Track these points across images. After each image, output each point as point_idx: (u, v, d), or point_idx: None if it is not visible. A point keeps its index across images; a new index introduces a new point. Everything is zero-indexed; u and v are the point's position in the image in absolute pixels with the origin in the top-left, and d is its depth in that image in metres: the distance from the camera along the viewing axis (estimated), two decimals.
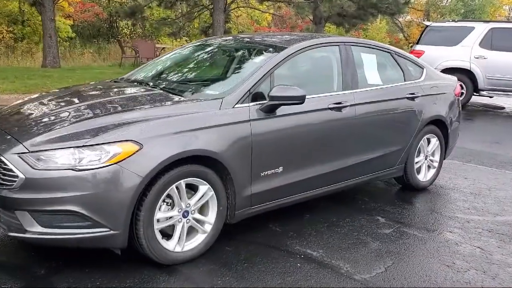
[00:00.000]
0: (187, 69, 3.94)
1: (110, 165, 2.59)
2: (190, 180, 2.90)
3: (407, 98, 4.31)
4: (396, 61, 4.43)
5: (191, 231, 3.04)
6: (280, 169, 3.37)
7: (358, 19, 17.97)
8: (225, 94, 3.19)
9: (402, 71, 4.44)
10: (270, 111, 3.24)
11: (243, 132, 3.10)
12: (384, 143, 4.14)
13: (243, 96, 3.18)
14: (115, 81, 3.97)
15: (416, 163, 4.61)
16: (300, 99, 3.22)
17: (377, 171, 4.19)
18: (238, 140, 3.07)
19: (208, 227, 3.06)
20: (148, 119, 2.82)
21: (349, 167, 3.85)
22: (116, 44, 19.77)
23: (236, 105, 3.14)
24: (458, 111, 5.04)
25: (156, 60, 4.28)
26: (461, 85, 10.47)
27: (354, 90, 3.86)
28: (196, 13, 17.45)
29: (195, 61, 4.05)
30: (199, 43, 4.34)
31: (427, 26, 11.32)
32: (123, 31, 22.41)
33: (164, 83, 3.71)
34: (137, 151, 2.66)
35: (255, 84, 3.25)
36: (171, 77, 3.82)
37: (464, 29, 10.64)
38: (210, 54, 4.09)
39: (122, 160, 2.61)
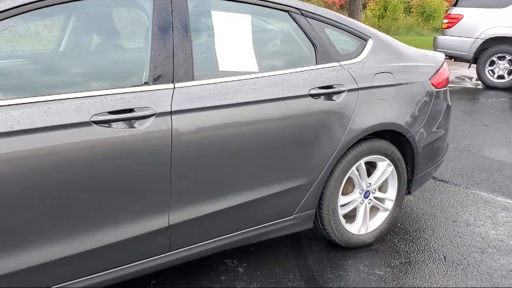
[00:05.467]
0: None
1: None
2: None
3: (314, 95, 2.35)
4: (301, 27, 2.45)
5: None
6: None
7: None
8: None
9: (314, 45, 2.46)
10: None
11: None
12: (253, 180, 2.26)
13: None
14: None
15: (344, 205, 2.67)
16: None
17: (246, 228, 2.32)
18: None
19: None
20: None
21: (162, 232, 2.03)
22: None
23: None
24: (441, 112, 2.98)
25: None
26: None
27: (180, 85, 1.99)
28: None
29: None
30: None
31: None
32: None
33: None
34: None
35: None
36: None
37: None
38: None
39: None
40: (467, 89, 8.43)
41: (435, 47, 8.77)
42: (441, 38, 8.69)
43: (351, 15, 13.39)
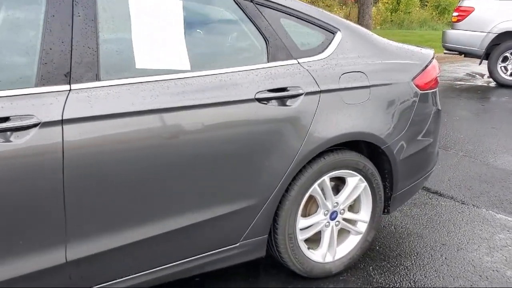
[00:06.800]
0: None
1: None
2: None
3: (262, 100, 1.92)
4: (249, 17, 2.02)
5: None
6: None
7: None
8: None
9: (265, 39, 2.03)
10: None
11: None
12: (180, 203, 1.85)
13: None
14: None
15: (305, 229, 2.25)
16: None
17: (176, 260, 1.91)
18: None
19: None
20: None
21: (58, 270, 1.64)
22: None
23: None
24: (428, 118, 2.54)
25: None
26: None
27: (78, 86, 1.59)
28: None
29: None
30: None
31: None
32: None
33: None
34: None
35: None
36: None
37: None
38: None
39: None
40: (477, 87, 7.89)
41: (444, 41, 8.23)
42: (451, 32, 8.15)
43: (361, 8, 12.85)
